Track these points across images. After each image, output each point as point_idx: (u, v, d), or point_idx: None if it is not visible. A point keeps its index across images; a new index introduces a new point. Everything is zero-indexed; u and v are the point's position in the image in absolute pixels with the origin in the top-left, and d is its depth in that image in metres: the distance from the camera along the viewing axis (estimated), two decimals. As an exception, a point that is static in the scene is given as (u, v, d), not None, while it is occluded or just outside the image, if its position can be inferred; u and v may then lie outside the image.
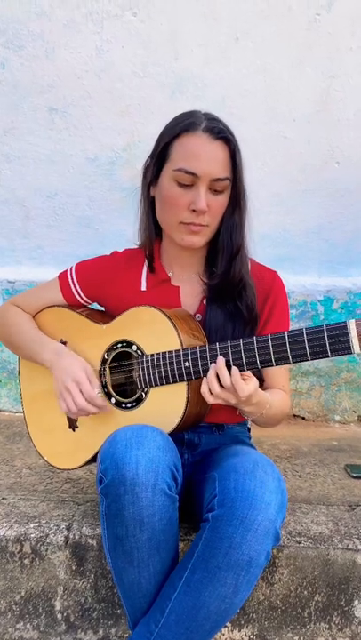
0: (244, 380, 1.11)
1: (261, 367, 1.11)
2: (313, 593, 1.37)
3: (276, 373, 1.34)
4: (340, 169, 2.19)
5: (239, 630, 1.38)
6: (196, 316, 1.33)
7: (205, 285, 1.34)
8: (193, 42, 2.11)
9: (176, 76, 2.11)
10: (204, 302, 1.34)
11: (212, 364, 1.13)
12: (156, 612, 1.07)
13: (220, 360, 1.12)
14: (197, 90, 2.11)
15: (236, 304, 1.30)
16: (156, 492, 1.01)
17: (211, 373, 1.12)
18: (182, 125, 1.23)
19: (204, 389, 1.13)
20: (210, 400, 1.13)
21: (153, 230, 1.34)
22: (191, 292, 1.36)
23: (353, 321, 1.03)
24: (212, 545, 1.01)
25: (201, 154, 1.20)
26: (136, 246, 1.42)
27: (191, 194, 1.22)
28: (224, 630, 1.38)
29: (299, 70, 2.13)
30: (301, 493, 1.62)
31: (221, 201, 1.25)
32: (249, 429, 1.48)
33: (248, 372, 1.14)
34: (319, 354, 1.06)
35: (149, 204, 1.32)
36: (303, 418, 2.29)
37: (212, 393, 1.12)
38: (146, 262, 1.38)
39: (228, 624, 1.37)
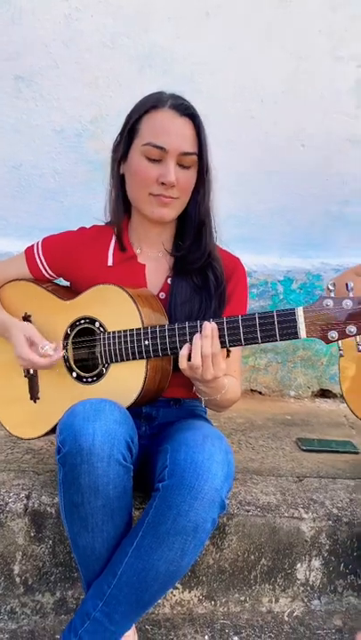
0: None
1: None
2: (259, 557, 1.47)
3: (231, 360, 1.39)
4: (304, 151, 2.23)
5: (189, 592, 1.47)
6: (160, 294, 1.37)
7: (172, 263, 1.39)
8: (163, 15, 2.08)
9: (145, 49, 2.09)
10: (169, 281, 1.38)
11: (204, 329, 1.15)
12: (108, 574, 1.13)
13: (212, 326, 1.15)
14: (166, 64, 2.10)
15: (203, 277, 1.35)
16: (111, 462, 1.07)
17: (205, 334, 1.14)
18: (150, 103, 1.28)
19: (183, 352, 1.16)
20: (184, 365, 1.16)
21: (122, 206, 1.37)
22: (157, 269, 1.39)
23: (301, 308, 1.09)
24: (162, 512, 1.08)
25: (169, 129, 1.25)
26: (103, 223, 1.45)
27: (160, 168, 1.26)
28: (175, 592, 1.46)
29: (268, 50, 2.14)
30: (253, 465, 1.71)
31: (189, 176, 1.30)
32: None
33: None
34: (269, 337, 1.12)
35: (119, 181, 1.36)
36: (260, 393, 2.38)
37: (189, 360, 1.15)
38: (113, 238, 1.40)
39: (178, 586, 1.46)
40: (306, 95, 2.19)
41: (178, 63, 2.10)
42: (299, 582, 1.49)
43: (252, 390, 2.38)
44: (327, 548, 1.48)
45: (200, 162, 1.31)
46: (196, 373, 1.17)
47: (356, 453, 1.82)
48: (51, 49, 2.07)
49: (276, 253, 2.30)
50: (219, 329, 1.16)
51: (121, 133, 1.33)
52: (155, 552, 1.08)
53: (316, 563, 1.48)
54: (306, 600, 1.49)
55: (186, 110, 1.27)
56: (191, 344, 1.17)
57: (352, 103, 2.22)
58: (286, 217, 2.28)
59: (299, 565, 1.48)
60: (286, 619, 1.47)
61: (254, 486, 1.56)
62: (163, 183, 1.26)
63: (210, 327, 1.15)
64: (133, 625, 1.22)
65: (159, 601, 1.46)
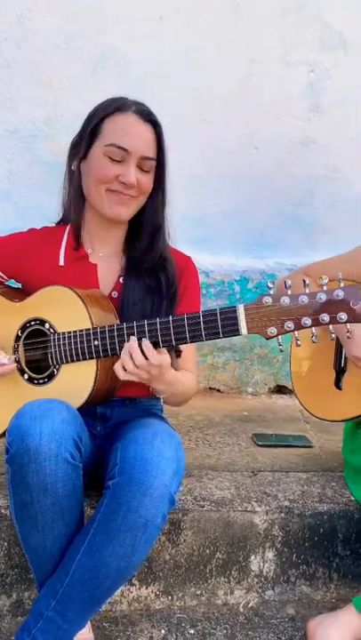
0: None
1: (163, 346, 1.19)
2: (214, 551, 1.50)
3: (185, 356, 1.42)
4: (257, 154, 2.27)
5: (146, 588, 1.49)
6: (113, 293, 1.39)
7: (124, 262, 1.41)
8: (117, 17, 2.10)
9: (98, 51, 2.10)
10: (121, 280, 1.40)
11: (126, 344, 1.19)
12: (60, 573, 1.14)
13: (133, 340, 1.18)
14: (119, 66, 2.12)
15: (155, 278, 1.38)
16: (58, 461, 1.08)
17: (125, 352, 1.18)
18: (114, 106, 1.32)
19: (116, 365, 1.19)
20: (121, 376, 1.19)
21: (80, 204, 1.39)
22: (109, 269, 1.41)
23: (242, 306, 1.13)
24: (112, 509, 1.10)
25: (132, 132, 1.30)
26: (54, 224, 1.46)
27: (121, 168, 1.29)
28: (132, 588, 1.48)
29: (220, 54, 2.18)
30: (209, 461, 1.74)
31: (148, 179, 1.34)
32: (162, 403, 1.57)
33: (162, 349, 1.21)
34: (212, 335, 1.15)
35: (77, 179, 1.37)
36: (219, 390, 2.41)
37: (125, 370, 1.19)
38: (65, 238, 1.42)
39: (135, 582, 1.48)
40: (258, 99, 2.24)
41: (131, 66, 2.12)
42: (253, 574, 1.53)
43: (210, 388, 2.41)
44: (280, 539, 1.52)
45: (159, 168, 1.35)
46: (139, 379, 1.20)
47: (310, 447, 1.88)
48: (3, 49, 2.06)
49: (232, 254, 2.34)
50: (166, 328, 1.18)
51: (81, 133, 1.35)
52: (106, 549, 1.09)
53: (270, 554, 1.52)
54: (260, 591, 1.53)
55: (149, 117, 1.32)
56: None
57: (304, 107, 2.28)
58: (241, 218, 2.32)
59: (253, 557, 1.52)
60: (241, 610, 1.51)
61: (210, 482, 1.59)
62: (123, 183, 1.29)
63: (127, 347, 1.18)
64: (88, 622, 1.23)
65: (117, 598, 1.48)
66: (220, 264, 2.32)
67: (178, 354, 1.38)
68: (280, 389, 2.43)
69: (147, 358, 1.16)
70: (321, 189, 2.32)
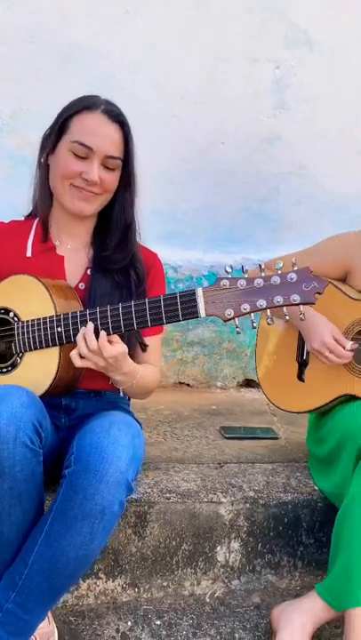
0: (110, 342, 1.20)
1: (125, 331, 1.21)
2: (181, 543, 1.51)
3: (149, 349, 1.43)
4: (225, 149, 2.29)
5: (113, 581, 1.49)
6: (80, 285, 1.40)
7: (92, 255, 1.43)
8: (83, 11, 2.09)
9: (65, 46, 2.09)
10: (89, 272, 1.41)
11: (82, 328, 1.21)
12: (19, 564, 1.14)
13: (89, 325, 1.20)
14: (86, 61, 2.11)
15: (125, 275, 1.40)
16: (17, 445, 1.08)
17: (79, 337, 1.20)
18: (84, 104, 1.35)
19: (72, 352, 1.21)
20: (77, 363, 1.21)
21: (48, 196, 1.41)
22: (76, 261, 1.43)
23: (200, 289, 1.15)
24: (69, 498, 1.10)
25: (98, 131, 1.32)
26: (23, 218, 1.48)
27: (85, 165, 1.32)
28: (99, 582, 1.48)
29: (187, 49, 2.18)
30: (177, 454, 1.75)
31: (112, 177, 1.36)
32: (129, 397, 1.57)
33: (117, 338, 1.23)
34: (172, 318, 1.17)
35: (45, 172, 1.40)
36: (188, 385, 2.43)
37: (80, 356, 1.20)
38: (33, 230, 1.44)
39: (102, 575, 1.48)
40: (225, 95, 2.25)
41: (98, 61, 2.11)
42: (219, 564, 1.54)
43: (180, 383, 2.43)
44: (245, 529, 1.54)
45: (126, 167, 1.38)
46: (95, 366, 1.21)
47: (277, 439, 1.90)
48: (-34, 41, 2.03)
49: (201, 249, 2.36)
50: (128, 312, 1.20)
51: (52, 127, 1.38)
52: (64, 538, 1.09)
53: (235, 544, 1.54)
54: (226, 581, 1.55)
55: (117, 117, 1.35)
56: (106, 330, 1.21)
57: (270, 104, 2.31)
58: (209, 213, 2.34)
59: (219, 548, 1.53)
60: (208, 600, 1.52)
61: (176, 474, 1.60)
62: (85, 179, 1.31)
63: (82, 332, 1.20)
64: (50, 616, 1.23)
65: (83, 592, 1.48)
66: (188, 259, 2.33)
67: (143, 348, 1.40)
68: (249, 383, 2.45)
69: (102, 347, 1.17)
70: (287, 186, 2.35)
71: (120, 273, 1.40)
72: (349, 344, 1.49)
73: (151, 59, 2.16)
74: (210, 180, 2.30)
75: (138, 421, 1.46)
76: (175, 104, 2.22)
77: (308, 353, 1.60)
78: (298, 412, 1.65)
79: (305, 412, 1.63)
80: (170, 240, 2.25)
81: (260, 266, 1.15)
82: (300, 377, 1.62)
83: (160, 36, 2.15)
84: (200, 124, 2.25)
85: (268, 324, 1.15)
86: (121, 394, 1.38)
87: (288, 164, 2.34)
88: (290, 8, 2.24)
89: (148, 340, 1.40)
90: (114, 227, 1.41)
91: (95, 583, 1.48)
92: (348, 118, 2.36)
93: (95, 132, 1.31)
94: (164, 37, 2.16)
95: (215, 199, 2.32)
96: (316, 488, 1.57)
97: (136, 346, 1.39)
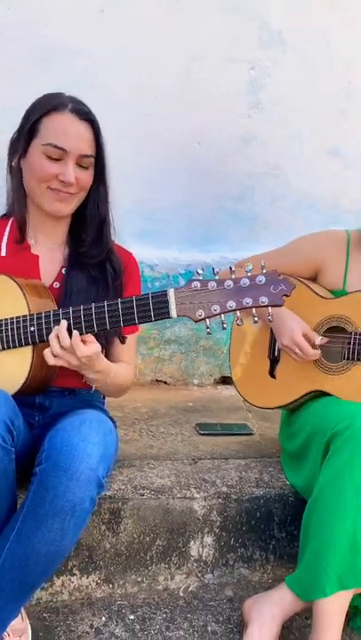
0: (83, 342, 1.21)
1: (98, 330, 1.22)
2: (155, 538, 1.53)
3: (125, 347, 1.44)
4: (201, 149, 2.31)
5: (87, 577, 1.50)
6: (54, 284, 1.41)
7: (67, 254, 1.44)
8: (59, 9, 2.08)
9: (41, 43, 2.08)
10: (63, 271, 1.42)
11: (55, 327, 1.22)
12: (-10, 562, 1.15)
13: (62, 323, 1.21)
14: (62, 59, 2.10)
15: (101, 269, 1.42)
16: None
17: (52, 335, 1.21)
18: (50, 105, 1.34)
19: (46, 351, 1.22)
20: (50, 361, 1.21)
21: (23, 199, 1.41)
22: (51, 260, 1.44)
23: (172, 290, 1.17)
24: (40, 495, 1.11)
25: (69, 132, 1.33)
26: None
27: (60, 167, 1.32)
28: (73, 578, 1.50)
29: (163, 49, 2.19)
30: (152, 451, 1.77)
31: (87, 175, 1.37)
32: (104, 395, 1.58)
33: (91, 338, 1.24)
34: (145, 318, 1.19)
35: (18, 176, 1.40)
36: (165, 382, 2.45)
37: (53, 354, 1.20)
38: (7, 229, 1.44)
39: (76, 572, 1.49)
40: (200, 95, 2.26)
41: (74, 59, 2.11)
42: (193, 559, 1.56)
43: (157, 381, 2.44)
44: (218, 524, 1.56)
45: (98, 163, 1.39)
46: (69, 364, 1.22)
47: (251, 435, 1.93)
48: None
49: (177, 248, 2.37)
50: (100, 312, 1.21)
51: (20, 130, 1.38)
52: (35, 535, 1.11)
53: (209, 539, 1.57)
54: (200, 575, 1.57)
55: (86, 115, 1.35)
56: (80, 330, 1.22)
57: (244, 104, 2.33)
58: (186, 212, 2.35)
59: (192, 543, 1.56)
60: (181, 594, 1.54)
61: (150, 471, 1.62)
62: (62, 181, 1.32)
63: (55, 330, 1.20)
64: (24, 612, 1.24)
65: (57, 589, 1.49)
66: (165, 257, 2.35)
67: (122, 340, 1.41)
68: (225, 380, 2.48)
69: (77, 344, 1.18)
70: (262, 185, 2.38)
71: (96, 268, 1.42)
72: (318, 339, 1.52)
73: (127, 58, 2.16)
74: (185, 180, 2.32)
75: (112, 419, 1.47)
76: (151, 103, 2.23)
77: (279, 350, 1.63)
78: (269, 408, 1.68)
79: (276, 408, 1.66)
80: (146, 239, 2.27)
81: (230, 268, 1.17)
82: (272, 373, 1.64)
83: (136, 35, 2.16)
84: (176, 123, 2.25)
85: (238, 324, 1.17)
86: (92, 391, 1.39)
87: (263, 164, 2.36)
88: (264, 9, 2.26)
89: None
90: (89, 223, 1.42)
91: (69, 580, 1.49)
92: (321, 119, 2.39)
93: (66, 132, 1.32)
94: (141, 36, 2.16)
95: (191, 198, 2.34)
96: (288, 483, 1.60)
97: (113, 341, 1.41)
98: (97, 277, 1.41)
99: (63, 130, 1.32)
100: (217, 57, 2.25)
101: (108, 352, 1.42)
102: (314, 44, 2.33)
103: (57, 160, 1.32)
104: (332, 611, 1.29)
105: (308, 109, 2.37)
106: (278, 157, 2.37)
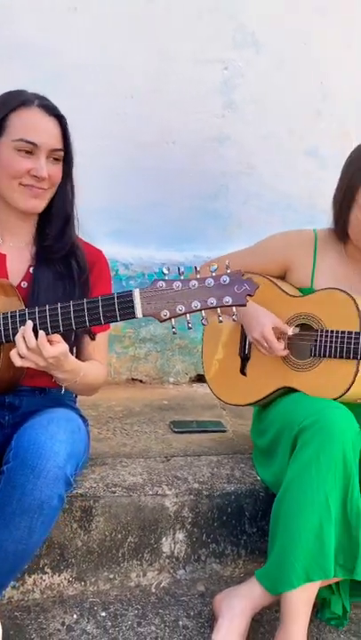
0: (50, 342, 1.21)
1: (64, 330, 1.22)
2: (126, 535, 1.54)
3: (96, 345, 1.45)
4: (174, 148, 2.32)
5: (59, 575, 1.51)
6: (22, 283, 1.41)
7: (34, 253, 1.44)
8: (29, 7, 2.08)
9: (10, 42, 2.07)
10: (31, 270, 1.43)
11: (21, 328, 1.22)
12: None
13: (28, 323, 1.21)
14: (31, 58, 2.09)
15: (66, 265, 1.42)
16: None
17: (18, 336, 1.21)
18: (17, 101, 1.35)
19: (12, 352, 1.21)
20: (17, 362, 1.21)
21: None
22: (19, 259, 1.44)
23: (137, 290, 1.18)
24: (7, 494, 1.12)
25: (39, 127, 1.34)
26: None
27: (32, 162, 1.33)
28: (45, 576, 1.50)
29: (136, 48, 2.20)
30: (125, 449, 1.77)
31: (58, 170, 1.39)
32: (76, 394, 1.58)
33: (58, 338, 1.24)
34: (110, 318, 1.19)
35: None
36: (141, 381, 2.45)
37: (20, 355, 1.20)
38: None
39: (48, 570, 1.49)
40: (174, 94, 2.27)
41: (44, 58, 2.09)
42: (165, 555, 1.58)
43: (133, 379, 2.45)
44: (190, 520, 1.58)
45: (66, 158, 1.40)
46: (36, 365, 1.21)
47: (224, 432, 1.95)
48: None
49: (152, 246, 2.38)
50: (66, 312, 1.21)
51: None
52: (2, 533, 1.11)
53: (180, 535, 1.58)
54: (172, 571, 1.59)
55: (53, 111, 1.37)
56: (46, 330, 1.22)
57: (218, 103, 2.34)
58: (160, 211, 2.36)
59: (164, 539, 1.57)
60: (154, 590, 1.56)
61: (123, 469, 1.63)
62: (35, 176, 1.33)
63: (21, 331, 1.20)
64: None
65: (29, 587, 1.49)
66: (140, 256, 2.35)
67: (92, 336, 1.42)
68: (200, 378, 2.48)
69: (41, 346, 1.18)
70: (236, 185, 2.39)
71: (61, 263, 1.43)
72: (290, 329, 1.55)
73: (99, 57, 2.16)
74: (160, 179, 2.32)
75: (84, 417, 1.48)
76: (123, 102, 2.23)
77: (250, 347, 1.65)
78: (241, 405, 1.70)
79: (247, 405, 1.68)
80: (121, 237, 2.27)
81: (195, 268, 1.19)
82: (243, 371, 1.66)
83: (108, 34, 2.16)
84: (149, 122, 2.26)
85: (203, 324, 1.18)
86: (62, 391, 1.39)
87: (237, 164, 2.38)
88: (238, 9, 2.27)
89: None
90: (54, 218, 1.43)
91: (41, 578, 1.49)
92: (295, 119, 2.41)
93: (36, 127, 1.33)
94: (113, 35, 2.17)
95: (166, 197, 2.35)
96: (259, 478, 1.62)
97: (83, 340, 1.41)
98: (63, 273, 1.42)
99: (33, 125, 1.33)
100: (191, 57, 2.26)
101: (78, 350, 1.43)
102: (289, 44, 2.34)
103: (28, 155, 1.33)
104: (299, 602, 1.31)
105: (284, 110, 2.39)
106: (253, 157, 2.39)
